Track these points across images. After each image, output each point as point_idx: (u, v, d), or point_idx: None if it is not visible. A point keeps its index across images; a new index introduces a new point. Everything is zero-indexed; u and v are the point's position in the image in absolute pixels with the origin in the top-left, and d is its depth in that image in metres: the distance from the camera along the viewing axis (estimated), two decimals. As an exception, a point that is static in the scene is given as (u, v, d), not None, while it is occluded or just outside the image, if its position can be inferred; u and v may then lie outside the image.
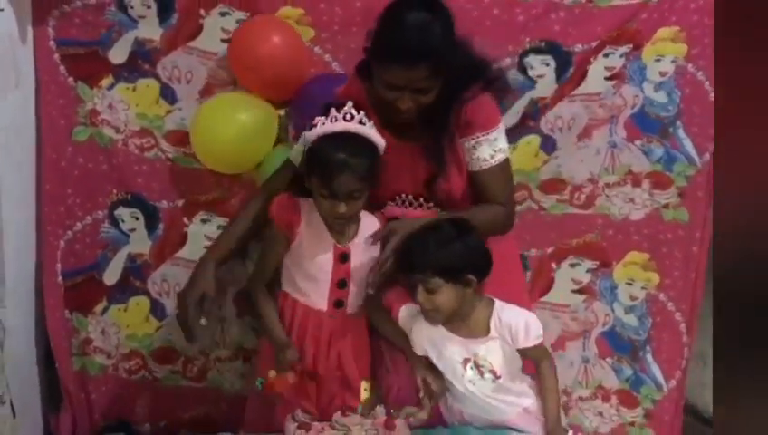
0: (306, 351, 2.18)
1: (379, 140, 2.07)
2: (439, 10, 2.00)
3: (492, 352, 2.12)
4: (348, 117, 2.03)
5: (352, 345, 2.23)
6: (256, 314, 2.27)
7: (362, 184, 2.05)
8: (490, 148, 2.17)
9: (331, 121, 2.03)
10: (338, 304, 2.18)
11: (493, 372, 2.12)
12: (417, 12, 1.97)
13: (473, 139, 2.16)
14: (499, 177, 2.20)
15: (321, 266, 2.15)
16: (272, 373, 2.14)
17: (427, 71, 1.96)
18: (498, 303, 2.15)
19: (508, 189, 2.26)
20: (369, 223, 2.18)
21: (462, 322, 2.13)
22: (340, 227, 2.13)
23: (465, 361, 2.13)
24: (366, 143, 2.04)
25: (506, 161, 2.22)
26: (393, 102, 2.04)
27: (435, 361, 2.17)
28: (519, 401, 2.18)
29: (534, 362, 2.18)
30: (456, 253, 2.03)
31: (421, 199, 2.23)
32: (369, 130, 2.05)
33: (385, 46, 2.00)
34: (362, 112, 2.04)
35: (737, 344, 1.40)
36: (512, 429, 2.14)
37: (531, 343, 2.11)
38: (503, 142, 2.20)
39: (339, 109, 2.03)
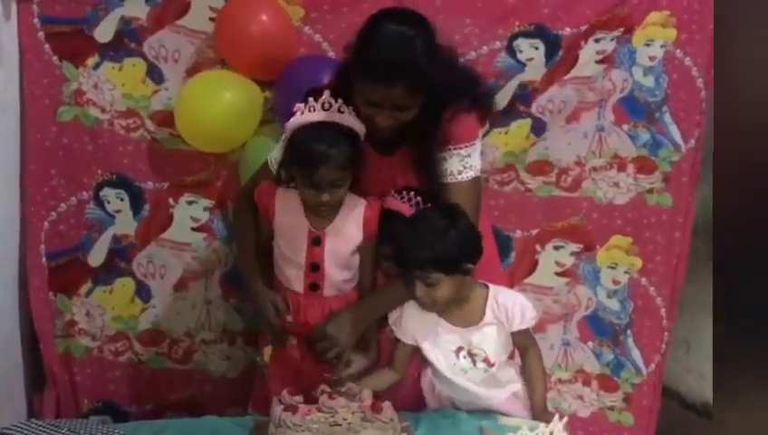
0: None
1: (360, 127, 2.05)
2: (420, 24, 1.97)
3: (486, 338, 2.11)
4: (326, 106, 2.01)
5: None
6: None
7: (344, 173, 2.04)
8: (460, 163, 2.13)
9: (310, 111, 2.02)
10: (313, 286, 2.18)
11: (486, 360, 2.12)
12: (398, 26, 1.94)
13: (444, 150, 2.13)
14: (464, 197, 2.14)
15: (296, 250, 2.15)
16: (267, 350, 2.21)
17: (406, 89, 1.93)
18: (492, 287, 2.14)
19: (471, 215, 2.14)
20: (353, 205, 2.17)
21: (458, 309, 2.11)
22: (324, 213, 2.13)
23: (459, 349, 2.12)
24: (346, 132, 2.03)
25: (475, 181, 2.19)
26: (372, 118, 2.02)
27: (427, 350, 2.15)
28: (508, 388, 2.18)
29: (521, 350, 2.19)
30: (452, 243, 1.99)
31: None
32: (349, 118, 2.03)
33: (364, 63, 1.96)
34: (340, 101, 2.01)
35: (737, 339, 1.38)
36: (501, 413, 2.14)
37: (525, 326, 2.11)
38: (475, 161, 2.16)
39: (317, 98, 2.02)
